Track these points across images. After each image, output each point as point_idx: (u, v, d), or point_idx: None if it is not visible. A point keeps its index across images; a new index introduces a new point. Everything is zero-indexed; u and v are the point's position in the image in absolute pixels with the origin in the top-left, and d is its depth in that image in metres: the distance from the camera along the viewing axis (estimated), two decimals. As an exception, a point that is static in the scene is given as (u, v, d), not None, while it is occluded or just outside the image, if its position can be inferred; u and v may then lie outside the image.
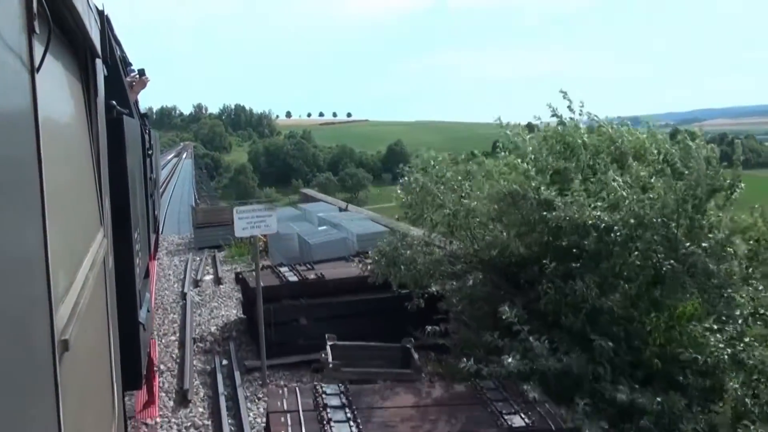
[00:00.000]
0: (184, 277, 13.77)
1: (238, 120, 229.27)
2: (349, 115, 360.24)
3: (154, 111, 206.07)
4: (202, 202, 39.58)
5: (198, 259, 15.98)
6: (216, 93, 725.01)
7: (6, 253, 1.02)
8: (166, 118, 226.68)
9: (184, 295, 12.09)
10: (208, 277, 13.87)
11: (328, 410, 5.39)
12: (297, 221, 15.86)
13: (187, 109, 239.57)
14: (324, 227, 14.10)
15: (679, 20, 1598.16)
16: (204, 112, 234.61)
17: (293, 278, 9.54)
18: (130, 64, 7.44)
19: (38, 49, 1.49)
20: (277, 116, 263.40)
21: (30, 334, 1.17)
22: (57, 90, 2.02)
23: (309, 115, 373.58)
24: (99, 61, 3.20)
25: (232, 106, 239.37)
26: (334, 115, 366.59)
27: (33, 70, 1.40)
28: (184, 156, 78.12)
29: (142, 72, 7.49)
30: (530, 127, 9.73)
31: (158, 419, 7.09)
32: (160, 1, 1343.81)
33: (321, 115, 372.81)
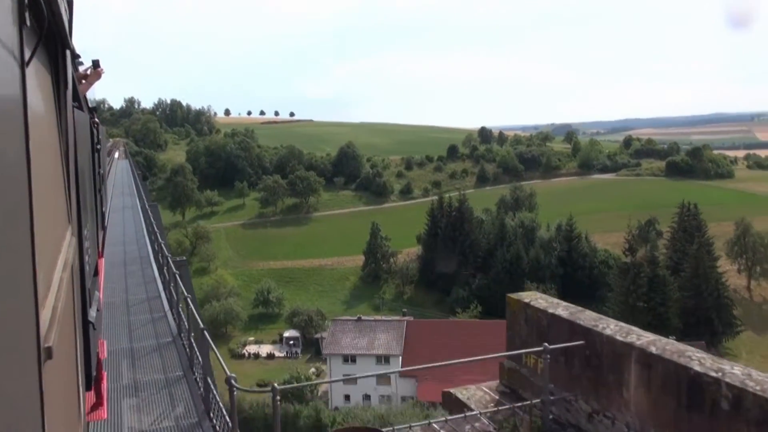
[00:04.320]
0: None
1: (174, 116, 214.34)
2: (292, 114, 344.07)
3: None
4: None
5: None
6: (150, 87, 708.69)
7: None
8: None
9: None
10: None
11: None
12: None
13: (117, 103, 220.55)
14: None
15: (607, 31, 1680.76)
16: (136, 106, 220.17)
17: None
18: (78, 56, 6.50)
19: (29, 43, 1.47)
20: (216, 114, 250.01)
21: (15, 343, 1.09)
22: (32, 83, 1.91)
23: (249, 113, 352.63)
24: (68, 53, 3.07)
25: (168, 101, 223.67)
26: (276, 114, 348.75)
27: (23, 64, 1.37)
28: (116, 155, 70.91)
29: (96, 63, 7.24)
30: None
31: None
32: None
33: (262, 113, 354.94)
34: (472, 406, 7.54)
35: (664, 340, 6.13)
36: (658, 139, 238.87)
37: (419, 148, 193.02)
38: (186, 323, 11.47)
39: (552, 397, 6.83)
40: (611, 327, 6.36)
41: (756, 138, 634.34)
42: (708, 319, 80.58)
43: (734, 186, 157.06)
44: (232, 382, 6.85)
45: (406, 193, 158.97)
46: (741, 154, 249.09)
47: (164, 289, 15.87)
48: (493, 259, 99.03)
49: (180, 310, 12.83)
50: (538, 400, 6.90)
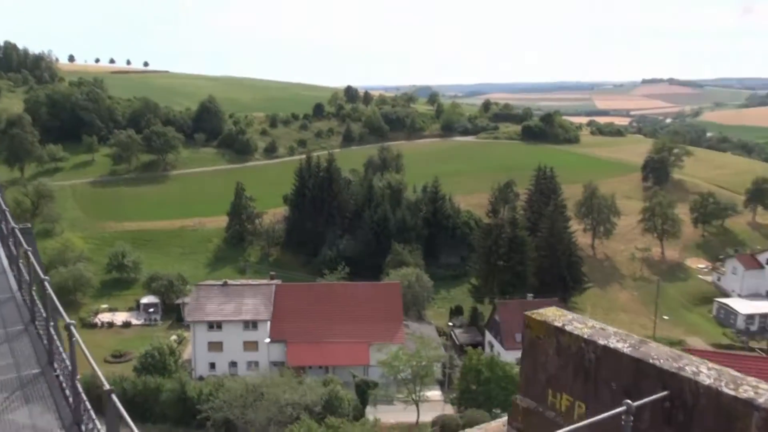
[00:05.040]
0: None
1: (9, 60, 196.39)
2: (146, 64, 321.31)
3: None
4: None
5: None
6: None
7: None
8: None
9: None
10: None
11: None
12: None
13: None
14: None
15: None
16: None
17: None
18: None
19: None
20: (58, 59, 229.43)
21: None
22: None
23: (97, 60, 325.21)
24: None
25: (1, 44, 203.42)
26: (128, 63, 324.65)
27: None
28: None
29: None
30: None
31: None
32: None
33: (112, 62, 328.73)
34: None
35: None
36: (516, 105, 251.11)
37: (284, 106, 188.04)
38: (27, 276, 11.23)
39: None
40: (704, 371, 4.20)
41: (596, 106, 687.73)
42: (561, 277, 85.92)
43: (581, 151, 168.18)
44: (71, 329, 7.10)
45: (270, 151, 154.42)
46: (584, 120, 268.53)
47: (2, 246, 15.34)
48: (360, 220, 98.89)
49: (21, 265, 12.51)
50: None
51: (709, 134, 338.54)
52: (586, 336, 4.70)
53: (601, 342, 4.60)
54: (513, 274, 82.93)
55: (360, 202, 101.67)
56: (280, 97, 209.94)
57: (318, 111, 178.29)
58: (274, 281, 75.70)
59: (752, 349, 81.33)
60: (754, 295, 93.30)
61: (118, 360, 68.68)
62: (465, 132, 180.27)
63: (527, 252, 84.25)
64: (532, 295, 76.65)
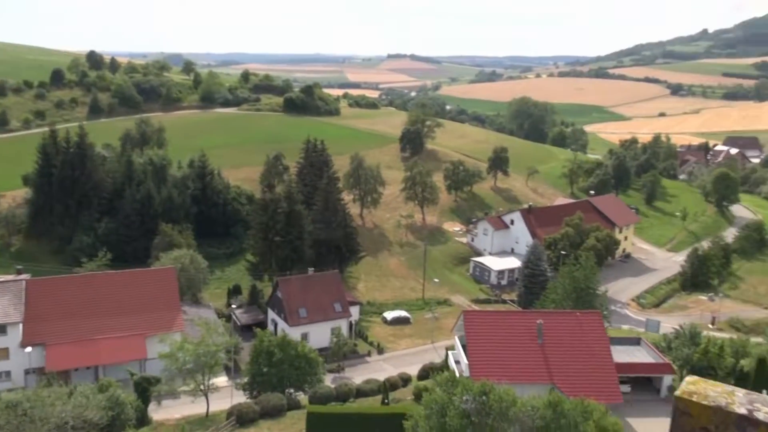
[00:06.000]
0: None
1: None
2: None
3: None
4: None
5: None
6: None
7: None
8: None
9: None
10: None
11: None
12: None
13: None
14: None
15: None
16: None
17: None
18: None
19: None
20: None
21: None
22: None
23: None
24: None
25: None
26: None
27: None
28: None
29: None
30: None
31: None
32: None
33: None
34: None
35: None
36: (275, 75, 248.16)
37: (13, 72, 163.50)
38: None
39: None
40: None
41: (347, 78, 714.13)
42: (337, 248, 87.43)
43: (342, 122, 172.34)
44: None
45: (1, 124, 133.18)
46: (339, 92, 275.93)
47: None
48: (121, 200, 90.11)
49: None
50: None
51: (448, 107, 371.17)
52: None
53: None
54: (291, 248, 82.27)
55: (119, 180, 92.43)
56: (7, 62, 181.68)
57: (57, 79, 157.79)
58: (22, 276, 65.71)
59: (504, 302, 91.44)
60: (503, 253, 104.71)
61: None
62: (226, 103, 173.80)
63: (304, 226, 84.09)
64: (312, 268, 76.79)
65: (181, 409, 54.55)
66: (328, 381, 60.01)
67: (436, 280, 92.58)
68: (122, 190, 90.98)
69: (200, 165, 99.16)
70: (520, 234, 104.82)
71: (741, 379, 50.68)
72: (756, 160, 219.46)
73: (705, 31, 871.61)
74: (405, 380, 59.38)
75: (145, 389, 51.88)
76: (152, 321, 62.73)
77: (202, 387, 51.67)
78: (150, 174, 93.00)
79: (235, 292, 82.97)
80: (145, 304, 63.68)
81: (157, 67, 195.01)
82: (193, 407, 53.47)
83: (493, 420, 32.10)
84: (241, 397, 54.43)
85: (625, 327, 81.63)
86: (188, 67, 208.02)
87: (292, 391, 54.19)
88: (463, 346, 53.00)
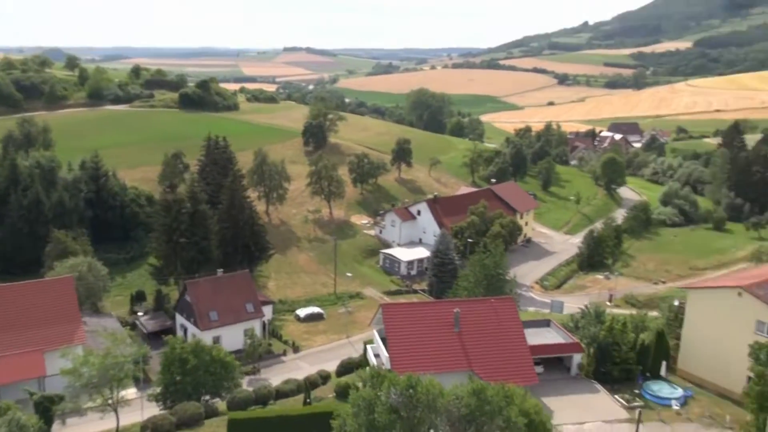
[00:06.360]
0: None
1: None
2: None
3: None
4: None
5: None
6: None
7: None
8: None
9: None
10: None
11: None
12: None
13: None
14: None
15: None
16: None
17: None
18: None
19: None
20: None
21: None
22: None
23: None
24: None
25: None
26: None
27: None
28: None
29: None
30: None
31: None
32: None
33: None
34: None
35: None
36: (168, 70, 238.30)
37: None
38: None
39: None
40: None
41: (243, 72, 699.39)
42: (246, 247, 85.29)
43: (241, 117, 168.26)
44: None
45: None
46: (235, 87, 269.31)
47: None
48: (6, 206, 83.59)
49: None
50: None
51: (347, 100, 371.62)
52: None
53: None
54: (197, 250, 79.38)
55: (2, 185, 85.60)
56: None
57: None
58: None
59: (415, 292, 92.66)
60: (411, 243, 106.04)
61: None
62: (116, 100, 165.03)
63: (210, 226, 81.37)
64: (222, 270, 74.47)
65: (88, 427, 51.37)
66: (245, 384, 58.53)
67: (349, 274, 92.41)
68: (7, 195, 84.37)
69: (93, 166, 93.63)
70: (427, 224, 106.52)
71: (642, 353, 53.93)
72: (638, 145, 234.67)
73: (586, 23, 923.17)
74: (324, 378, 58.85)
75: (47, 408, 48.36)
76: (50, 335, 58.57)
77: (110, 401, 48.87)
78: (37, 178, 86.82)
79: (138, 298, 79.17)
80: (41, 317, 59.37)
81: (38, 63, 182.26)
82: (102, 423, 50.48)
83: (421, 413, 32.28)
84: (153, 409, 51.96)
85: (531, 309, 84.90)
86: (72, 62, 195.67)
87: (208, 398, 52.35)
88: (383, 339, 53.08)
